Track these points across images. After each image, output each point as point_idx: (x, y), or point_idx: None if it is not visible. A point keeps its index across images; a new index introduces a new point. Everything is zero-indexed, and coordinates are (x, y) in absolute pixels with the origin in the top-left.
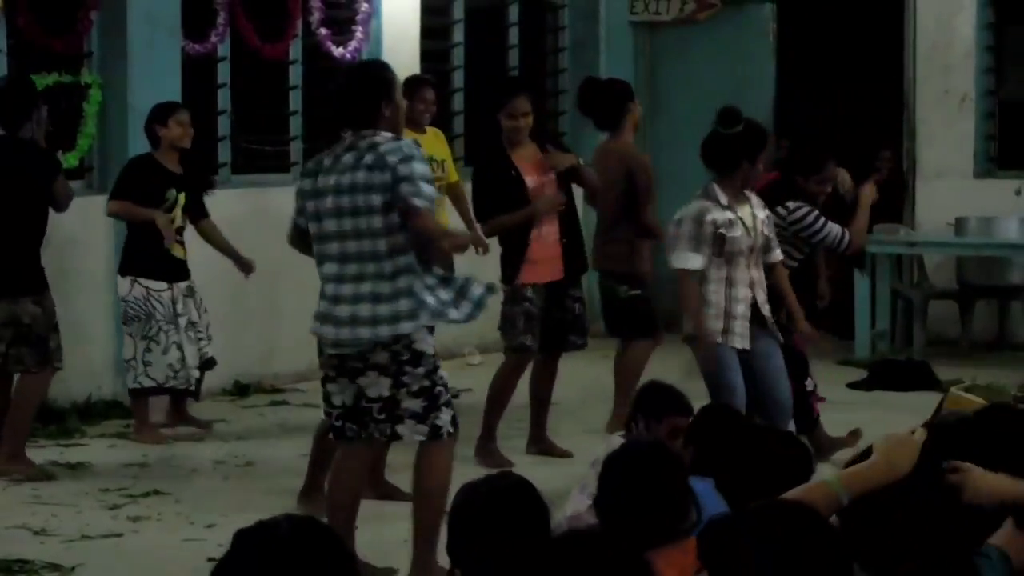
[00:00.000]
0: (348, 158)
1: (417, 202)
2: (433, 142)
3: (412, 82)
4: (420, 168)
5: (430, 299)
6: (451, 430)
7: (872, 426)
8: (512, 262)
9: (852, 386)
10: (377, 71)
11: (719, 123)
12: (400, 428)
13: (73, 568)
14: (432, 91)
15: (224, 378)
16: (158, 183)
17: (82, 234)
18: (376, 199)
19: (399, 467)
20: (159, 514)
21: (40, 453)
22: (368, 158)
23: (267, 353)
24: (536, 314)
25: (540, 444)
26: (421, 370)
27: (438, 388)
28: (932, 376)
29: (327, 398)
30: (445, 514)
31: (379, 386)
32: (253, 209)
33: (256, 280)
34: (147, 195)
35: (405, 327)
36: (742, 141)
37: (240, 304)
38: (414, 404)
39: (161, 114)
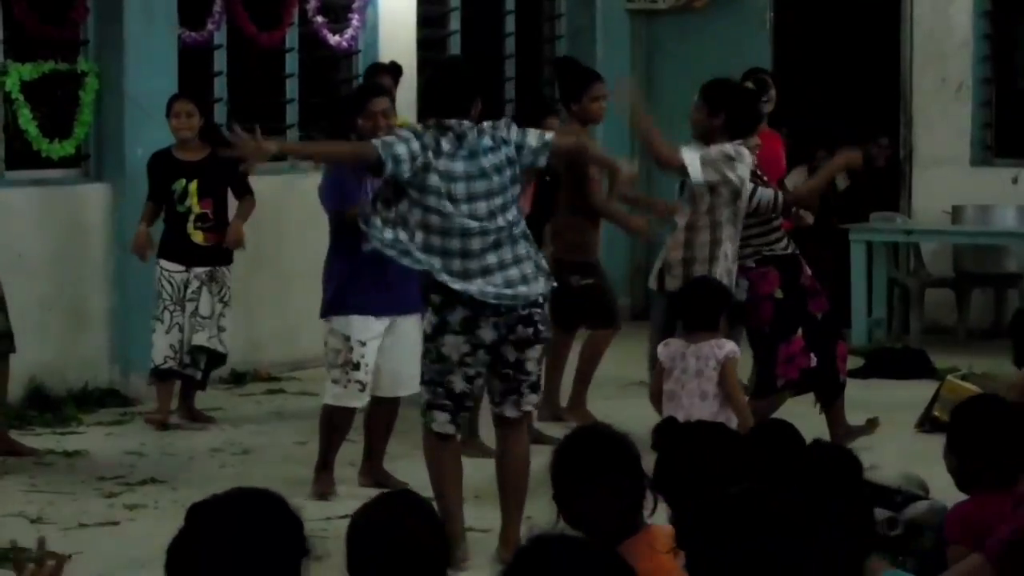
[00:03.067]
0: (471, 139)
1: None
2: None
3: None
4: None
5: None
6: None
7: (869, 415)
8: None
9: (848, 374)
10: (472, 71)
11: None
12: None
13: (70, 556)
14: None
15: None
16: (166, 176)
17: (79, 222)
18: (507, 174)
19: (396, 456)
20: (156, 502)
21: (37, 441)
22: (486, 140)
23: (263, 341)
24: None
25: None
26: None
27: None
28: (929, 364)
29: (450, 394)
30: None
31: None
32: None
33: (252, 268)
34: (158, 189)
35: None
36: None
37: (236, 292)
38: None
39: (167, 106)
